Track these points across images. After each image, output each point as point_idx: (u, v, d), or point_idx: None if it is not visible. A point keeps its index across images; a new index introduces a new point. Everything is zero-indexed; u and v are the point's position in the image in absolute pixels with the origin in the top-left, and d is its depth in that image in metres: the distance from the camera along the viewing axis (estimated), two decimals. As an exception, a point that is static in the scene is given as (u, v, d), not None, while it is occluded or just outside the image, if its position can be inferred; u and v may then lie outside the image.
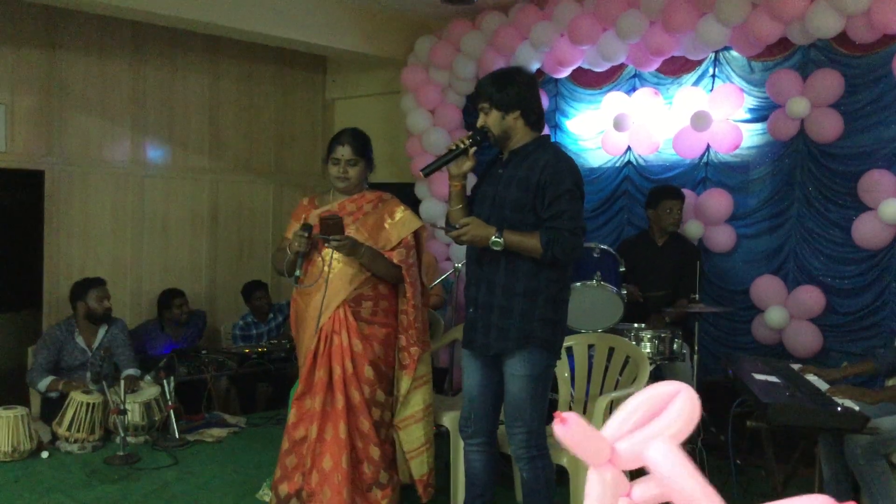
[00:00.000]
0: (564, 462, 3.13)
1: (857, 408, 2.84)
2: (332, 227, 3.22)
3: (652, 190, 4.86)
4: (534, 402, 2.90)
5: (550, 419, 3.21)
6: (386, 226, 3.47)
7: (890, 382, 3.43)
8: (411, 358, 3.45)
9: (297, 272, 3.38)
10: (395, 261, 3.38)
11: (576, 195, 2.88)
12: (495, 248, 2.86)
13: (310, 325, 3.43)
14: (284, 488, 3.38)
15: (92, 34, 5.81)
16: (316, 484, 3.30)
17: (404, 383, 3.47)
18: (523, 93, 2.94)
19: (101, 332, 4.99)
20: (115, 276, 5.76)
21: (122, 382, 4.46)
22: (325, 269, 3.37)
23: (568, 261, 2.89)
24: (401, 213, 3.51)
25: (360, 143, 3.47)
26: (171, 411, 4.70)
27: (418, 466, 3.55)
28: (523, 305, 2.90)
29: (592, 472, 1.18)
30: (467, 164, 2.99)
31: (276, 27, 5.57)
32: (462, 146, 2.96)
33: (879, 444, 2.94)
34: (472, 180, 3.14)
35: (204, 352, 5.58)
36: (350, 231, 3.37)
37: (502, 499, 3.41)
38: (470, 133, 3.00)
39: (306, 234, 3.31)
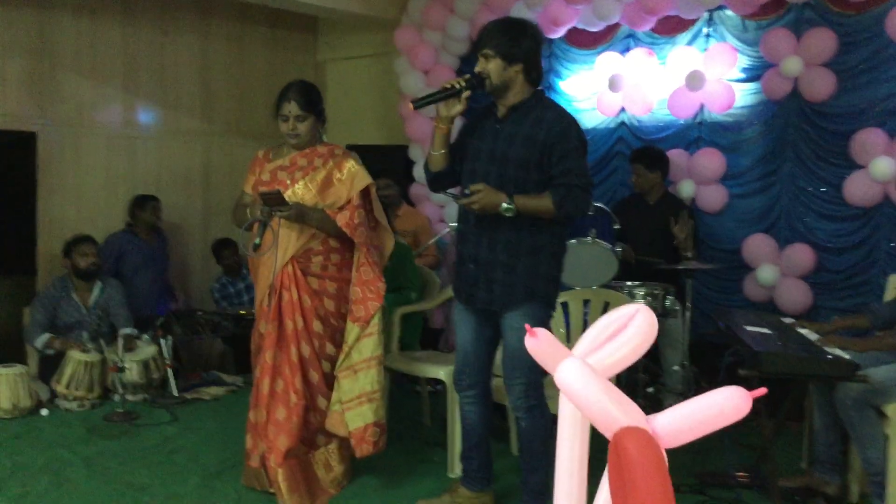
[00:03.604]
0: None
1: (846, 356, 2.90)
2: (274, 200, 3.21)
3: (639, 150, 4.90)
4: (533, 355, 2.94)
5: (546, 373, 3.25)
6: (335, 181, 3.41)
7: (879, 334, 3.49)
8: (367, 311, 3.38)
9: (257, 240, 3.28)
10: (339, 224, 3.34)
11: (582, 151, 2.91)
12: (507, 215, 2.85)
13: (261, 282, 3.45)
14: (249, 465, 3.41)
15: (83, -3, 5.78)
16: (273, 435, 3.30)
17: (353, 334, 3.39)
18: (532, 47, 2.95)
19: (96, 290, 5.01)
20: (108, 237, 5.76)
21: (121, 340, 4.49)
22: (275, 227, 3.32)
23: (580, 216, 2.93)
24: (349, 167, 3.42)
25: (308, 96, 3.41)
26: (169, 369, 4.74)
27: (353, 419, 3.34)
28: (527, 262, 2.93)
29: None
30: (457, 108, 2.96)
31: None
32: (458, 87, 2.93)
33: (869, 393, 3.01)
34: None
35: (199, 312, 5.62)
36: (298, 187, 3.35)
37: (496, 451, 3.46)
38: (466, 76, 2.97)
39: (267, 211, 3.24)
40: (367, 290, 3.37)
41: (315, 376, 3.38)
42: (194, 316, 5.54)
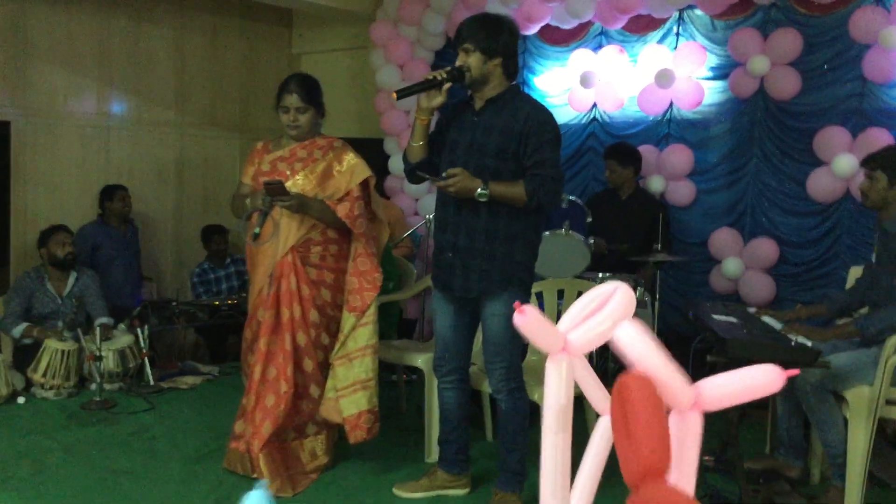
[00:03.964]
0: (536, 397, 3.29)
1: (809, 343, 3.04)
2: (277, 190, 3.28)
3: (611, 147, 5.03)
4: (512, 339, 3.04)
5: (525, 355, 3.36)
6: (335, 173, 3.49)
7: (840, 322, 3.64)
8: (363, 301, 3.46)
9: (257, 230, 3.34)
10: (339, 215, 3.42)
11: (556, 144, 3.02)
12: (481, 200, 2.95)
13: (259, 271, 3.52)
14: (234, 448, 3.47)
15: (58, -16, 5.75)
16: (259, 421, 3.37)
17: (349, 323, 3.47)
18: (510, 42, 3.04)
19: (71, 280, 5.01)
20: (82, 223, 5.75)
21: (98, 329, 4.51)
22: (276, 217, 3.40)
23: (551, 206, 3.03)
24: (349, 160, 3.51)
25: (309, 89, 3.48)
26: (146, 359, 4.77)
27: (347, 405, 3.41)
28: (504, 249, 3.02)
29: (549, 361, 1.32)
30: (438, 99, 3.04)
31: (242, -21, 5.56)
32: (439, 79, 3.01)
33: (828, 379, 3.14)
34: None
35: (174, 303, 5.65)
36: (298, 178, 3.43)
37: (472, 437, 3.55)
38: (447, 68, 3.05)
39: (268, 200, 3.30)
40: (364, 280, 3.45)
41: (310, 365, 3.45)
42: (169, 306, 5.57)
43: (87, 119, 6.02)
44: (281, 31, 7.22)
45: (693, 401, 1.22)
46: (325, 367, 3.50)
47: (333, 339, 3.51)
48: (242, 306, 5.70)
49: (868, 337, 3.20)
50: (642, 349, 1.20)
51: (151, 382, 4.74)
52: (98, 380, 4.38)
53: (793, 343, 2.97)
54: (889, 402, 3.17)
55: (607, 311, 1.40)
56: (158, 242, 6.43)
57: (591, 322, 1.40)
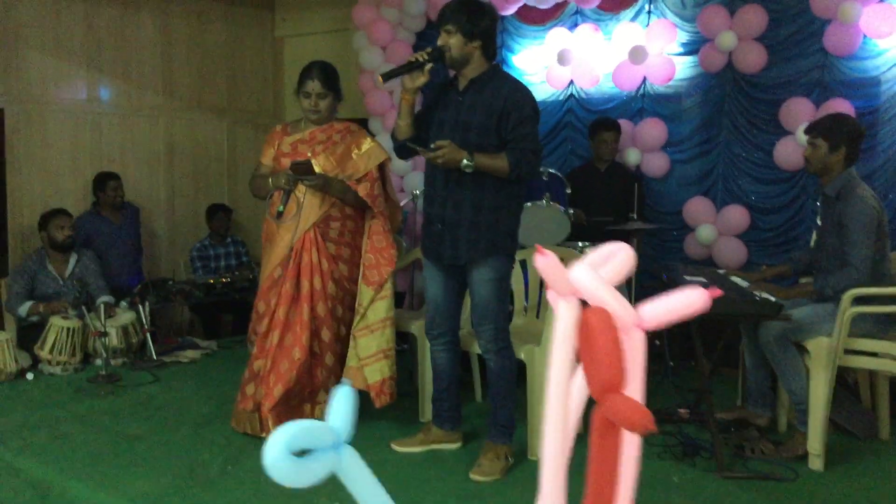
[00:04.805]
0: (522, 356, 3.53)
1: (772, 298, 3.28)
2: (303, 169, 3.51)
3: (591, 123, 5.26)
4: (499, 303, 3.29)
5: (511, 318, 3.59)
6: (353, 156, 3.74)
7: (803, 281, 3.90)
8: (380, 275, 3.73)
9: (281, 208, 3.61)
10: (361, 194, 3.67)
11: (535, 119, 3.24)
12: (466, 171, 3.16)
13: (279, 244, 3.73)
14: (242, 408, 3.68)
15: (45, -27, 5.88)
16: (272, 383, 3.60)
17: (368, 296, 3.72)
18: (489, 26, 3.25)
19: (72, 261, 5.19)
20: (77, 212, 5.90)
21: (102, 307, 4.70)
22: (299, 196, 3.64)
23: (531, 177, 3.27)
24: (367, 144, 3.78)
25: (329, 76, 3.72)
26: (148, 334, 4.97)
27: (371, 373, 3.66)
28: (490, 219, 3.24)
29: (560, 301, 1.54)
30: (421, 80, 3.25)
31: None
32: (421, 60, 3.22)
33: (790, 331, 3.40)
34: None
35: (171, 282, 5.83)
36: (320, 159, 3.66)
37: (462, 399, 3.79)
38: (429, 49, 3.26)
39: (293, 177, 3.56)
40: (381, 256, 3.69)
41: (327, 334, 3.68)
42: (165, 285, 5.75)
43: (78, 105, 6.16)
44: (264, 14, 7.36)
45: (636, 321, 1.45)
46: (339, 338, 3.74)
47: (348, 311, 3.75)
48: (237, 284, 5.92)
49: (825, 297, 3.46)
50: (594, 283, 1.43)
51: (154, 357, 4.93)
52: (104, 355, 4.57)
53: (757, 298, 3.22)
54: (848, 352, 3.43)
55: (613, 265, 1.60)
56: (151, 224, 6.60)
57: (602, 270, 1.60)
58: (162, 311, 5.76)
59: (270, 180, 3.66)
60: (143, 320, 4.99)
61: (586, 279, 1.44)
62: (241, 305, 6.13)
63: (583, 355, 1.37)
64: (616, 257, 1.58)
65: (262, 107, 7.39)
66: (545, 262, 1.49)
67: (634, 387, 1.44)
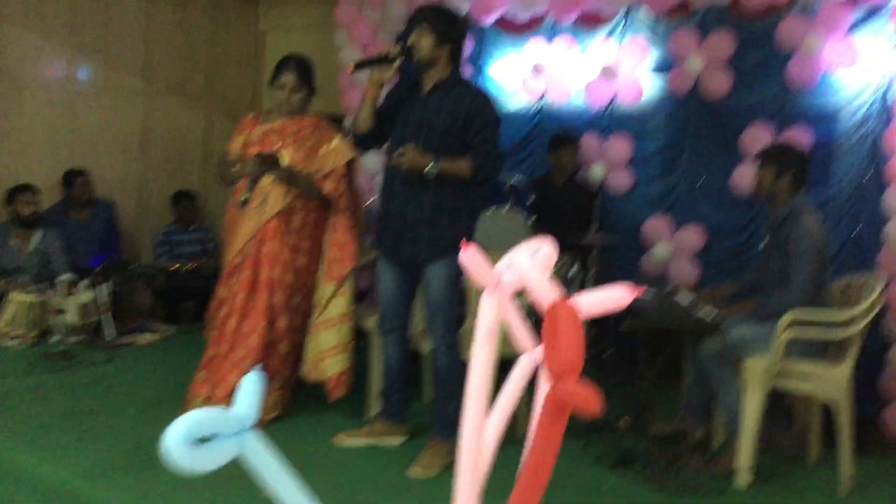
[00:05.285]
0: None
1: (712, 315, 3.40)
2: (270, 161, 3.59)
3: (552, 135, 5.36)
4: (452, 300, 3.41)
5: (464, 319, 3.69)
6: (321, 152, 3.82)
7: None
8: (341, 270, 3.82)
9: (246, 196, 3.67)
10: (325, 191, 3.75)
11: (497, 125, 3.37)
12: (430, 176, 3.25)
13: (241, 232, 3.80)
14: (195, 394, 3.76)
15: (31, -49, 5.91)
16: (227, 370, 3.67)
17: (329, 290, 3.83)
18: (461, 34, 3.39)
19: (37, 237, 5.23)
20: (47, 189, 5.93)
21: (62, 284, 4.74)
22: (266, 185, 3.72)
23: (492, 179, 3.37)
24: (336, 141, 3.86)
25: (305, 70, 3.81)
26: (106, 315, 5.01)
27: (330, 366, 3.81)
28: (449, 219, 3.35)
29: (485, 294, 1.63)
30: (388, 74, 3.36)
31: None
32: (391, 55, 3.33)
33: (728, 349, 3.52)
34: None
35: (134, 264, 5.87)
36: (288, 151, 3.74)
37: (410, 397, 3.87)
38: (399, 45, 3.37)
39: (259, 162, 3.64)
40: (343, 252, 3.80)
41: (283, 323, 3.76)
42: (128, 267, 5.79)
43: (56, 83, 6.19)
44: (248, 7, 7.42)
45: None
46: (294, 327, 3.82)
47: (304, 301, 3.83)
48: (201, 271, 5.97)
49: (765, 315, 3.58)
50: (531, 270, 1.52)
51: (111, 337, 4.97)
52: (62, 331, 4.61)
53: (695, 316, 3.33)
54: (782, 374, 3.55)
55: (535, 260, 1.69)
56: (120, 206, 6.62)
57: (521, 266, 1.69)
58: (124, 293, 5.79)
59: (238, 167, 3.72)
60: (104, 300, 5.02)
61: (526, 266, 1.53)
62: (204, 293, 6.15)
63: (546, 341, 1.46)
64: (540, 251, 1.67)
65: (240, 97, 7.43)
66: (468, 255, 1.57)
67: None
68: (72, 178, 5.84)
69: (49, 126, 6.16)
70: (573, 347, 1.47)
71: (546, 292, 1.54)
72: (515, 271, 1.62)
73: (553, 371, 1.47)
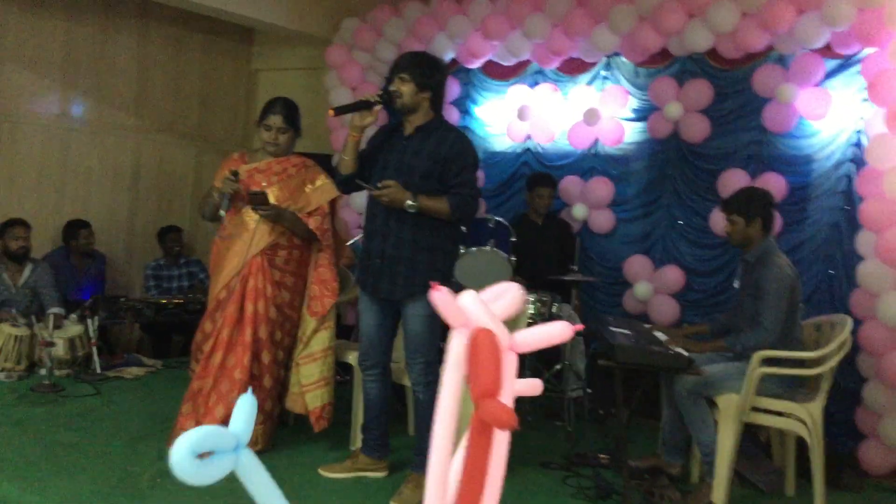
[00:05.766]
0: (449, 392, 3.69)
1: (685, 353, 3.50)
2: (259, 199, 3.71)
3: (530, 175, 5.53)
4: (431, 337, 3.47)
5: (441, 354, 3.75)
6: (307, 190, 3.95)
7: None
8: (322, 306, 3.93)
9: (223, 211, 3.78)
10: (311, 227, 3.87)
11: (475, 167, 3.49)
12: (410, 211, 3.36)
13: (227, 267, 3.89)
14: (180, 428, 3.77)
15: (27, -9, 6.06)
16: (213, 403, 3.73)
17: (311, 326, 3.93)
18: (440, 81, 3.51)
19: (27, 271, 5.30)
20: (38, 224, 6.00)
21: (51, 317, 4.80)
22: (250, 222, 3.82)
23: (469, 219, 3.48)
24: (321, 180, 3.99)
25: (292, 112, 3.94)
26: (94, 348, 5.06)
27: (312, 399, 3.91)
28: (427, 258, 3.44)
29: (455, 332, 1.73)
30: (369, 119, 3.47)
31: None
32: (372, 101, 3.44)
33: (702, 386, 3.62)
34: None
35: (122, 299, 5.93)
36: (273, 189, 3.85)
37: (394, 430, 3.94)
38: (380, 92, 3.49)
39: (234, 179, 3.77)
40: (325, 288, 3.89)
41: (267, 357, 3.83)
42: (117, 302, 5.85)
43: (50, 120, 6.30)
44: (241, 47, 7.59)
45: (510, 344, 1.64)
46: (277, 362, 3.90)
47: (287, 336, 3.92)
48: (189, 306, 6.03)
49: (736, 353, 3.69)
50: (478, 310, 1.62)
51: (98, 371, 5.02)
52: (49, 364, 4.66)
53: (671, 352, 3.43)
54: (755, 409, 3.65)
55: (504, 301, 1.79)
56: (111, 241, 6.70)
57: (491, 306, 1.79)
58: (113, 327, 5.85)
59: (214, 192, 3.83)
60: (91, 334, 5.08)
61: (470, 304, 1.63)
62: (191, 327, 6.23)
63: (469, 365, 1.55)
64: (507, 294, 1.77)
65: (231, 136, 7.57)
66: (439, 296, 1.67)
67: (507, 397, 1.62)
68: (76, 228, 5.95)
69: (41, 162, 6.26)
70: (492, 371, 1.57)
71: (495, 330, 1.64)
72: (464, 310, 1.72)
73: (476, 392, 1.57)
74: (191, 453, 1.26)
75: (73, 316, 5.23)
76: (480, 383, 1.50)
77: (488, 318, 1.61)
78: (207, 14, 6.40)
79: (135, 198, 6.88)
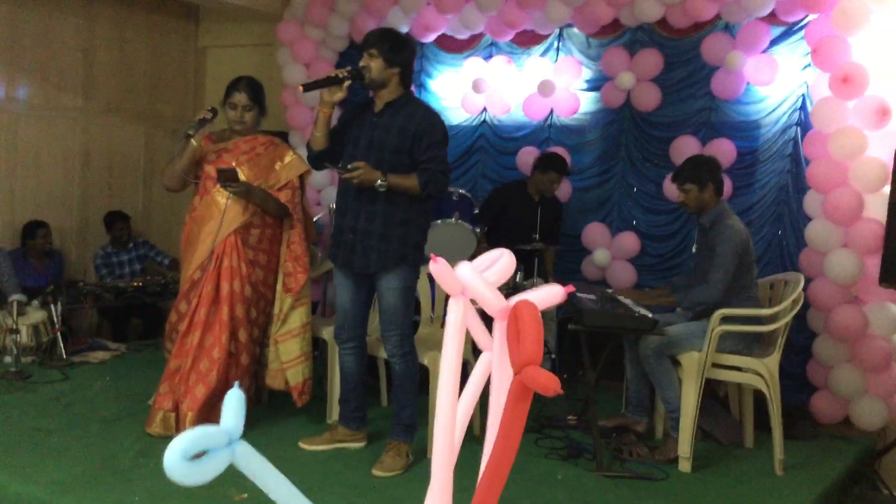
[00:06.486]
0: (426, 361, 3.79)
1: (649, 314, 3.65)
2: (229, 176, 3.72)
3: (547, 155, 5.35)
4: (406, 310, 3.56)
5: (416, 326, 3.89)
6: (276, 167, 3.98)
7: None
8: (297, 282, 3.97)
9: (192, 134, 3.84)
10: (282, 201, 3.91)
11: (445, 143, 3.54)
12: (380, 190, 3.42)
13: (200, 247, 3.91)
14: (158, 408, 3.82)
15: (-30, -28, 5.89)
16: (193, 383, 3.77)
17: (287, 303, 3.98)
18: (409, 57, 3.55)
19: (-17, 260, 5.21)
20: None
21: (14, 305, 4.74)
22: (222, 200, 3.85)
23: (440, 195, 3.55)
24: (290, 156, 4.04)
25: (256, 90, 3.95)
26: (58, 333, 5.02)
27: (293, 375, 3.98)
28: (400, 231, 3.51)
29: (452, 300, 1.82)
30: (339, 95, 3.50)
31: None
32: (341, 77, 3.47)
33: (665, 345, 3.78)
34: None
35: (81, 283, 5.87)
36: (243, 169, 3.87)
37: (369, 403, 4.02)
38: (349, 68, 3.52)
39: (212, 115, 3.84)
40: (297, 264, 3.94)
41: (244, 335, 3.87)
42: (77, 286, 5.78)
43: (-5, 103, 6.16)
44: (188, 24, 7.48)
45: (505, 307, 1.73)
46: (253, 339, 3.94)
47: (261, 314, 3.97)
48: (147, 288, 5.99)
49: (684, 308, 3.86)
50: (474, 278, 1.71)
51: (64, 356, 4.99)
52: (15, 352, 4.62)
53: (636, 314, 3.58)
54: (715, 366, 3.83)
55: (496, 268, 1.88)
56: (63, 225, 6.60)
57: (484, 274, 1.88)
58: (71, 312, 5.79)
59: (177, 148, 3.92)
60: (55, 320, 5.04)
61: (468, 274, 1.72)
62: (150, 309, 6.22)
63: (510, 335, 1.65)
64: (499, 261, 1.86)
65: (181, 114, 7.46)
66: (436, 267, 1.76)
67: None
68: (34, 229, 5.87)
69: (-11, 147, 6.13)
70: (534, 341, 1.67)
71: (491, 297, 1.74)
72: (461, 281, 1.81)
73: (518, 361, 1.67)
74: (183, 458, 1.27)
75: (35, 302, 5.17)
76: (523, 352, 1.59)
77: (484, 286, 1.70)
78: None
79: (85, 181, 6.77)
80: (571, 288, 1.80)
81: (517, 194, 5.37)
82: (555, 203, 5.44)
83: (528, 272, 5.02)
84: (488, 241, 5.02)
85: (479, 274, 1.74)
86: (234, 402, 1.50)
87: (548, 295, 1.77)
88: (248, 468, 1.50)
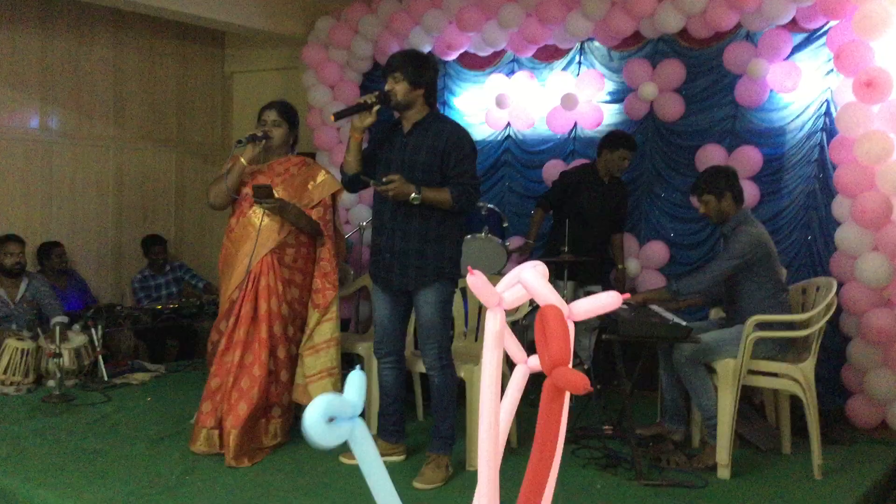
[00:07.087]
0: (462, 374, 3.84)
1: (683, 322, 3.68)
2: (264, 192, 3.82)
3: (613, 133, 5.27)
4: (443, 324, 3.63)
5: (452, 340, 3.94)
6: (309, 187, 4.08)
7: (712, 311, 4.34)
8: (324, 299, 4.06)
9: (244, 142, 3.97)
10: (315, 217, 4.00)
11: (473, 157, 3.61)
12: (414, 203, 3.49)
13: (237, 268, 4.00)
14: (201, 426, 3.89)
15: (3, 8, 6.05)
16: (235, 400, 3.84)
17: (314, 318, 4.06)
18: (432, 76, 3.64)
19: (23, 286, 5.34)
20: (29, 238, 6.02)
21: (57, 328, 4.85)
22: (257, 221, 3.94)
23: (471, 209, 3.62)
24: (322, 176, 4.13)
25: (286, 109, 4.10)
26: (100, 356, 5.13)
27: (315, 390, 4.00)
28: (435, 248, 3.58)
29: (489, 311, 1.87)
30: (369, 120, 3.59)
31: (176, 1, 5.88)
32: (369, 102, 3.56)
33: (700, 353, 3.81)
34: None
35: (119, 307, 5.98)
36: (278, 189, 3.96)
37: (406, 417, 4.07)
38: (376, 93, 3.61)
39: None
40: (326, 281, 4.02)
41: (282, 352, 3.96)
42: (114, 309, 5.90)
43: (30, 134, 6.32)
44: (214, 51, 7.64)
45: (569, 313, 1.79)
46: (291, 356, 4.03)
47: (298, 332, 4.06)
48: (184, 310, 6.10)
49: (672, 292, 3.94)
50: (538, 284, 1.77)
51: (105, 378, 5.09)
52: (58, 374, 4.72)
53: (670, 322, 3.61)
54: (751, 373, 3.85)
55: (534, 273, 1.94)
56: (99, 250, 6.74)
57: (517, 288, 1.94)
58: (109, 335, 5.90)
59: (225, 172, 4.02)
60: (96, 342, 5.15)
61: (532, 279, 1.78)
62: (186, 331, 6.32)
63: (538, 338, 1.71)
64: (535, 269, 1.92)
65: (210, 140, 7.62)
66: (474, 279, 1.81)
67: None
68: (48, 250, 6.00)
69: (25, 176, 6.28)
70: (562, 343, 1.73)
71: (551, 298, 1.79)
72: (521, 285, 1.86)
73: (547, 363, 1.72)
74: (323, 416, 1.38)
75: (76, 326, 5.29)
76: (552, 353, 1.65)
77: (549, 291, 1.76)
78: (178, 20, 6.44)
79: (119, 207, 6.92)
80: (628, 295, 1.85)
81: (586, 178, 5.25)
82: (622, 187, 5.36)
83: (585, 279, 5.04)
84: (553, 228, 4.95)
85: (542, 279, 1.79)
86: (356, 381, 1.57)
87: (605, 301, 1.83)
88: (359, 445, 1.57)
